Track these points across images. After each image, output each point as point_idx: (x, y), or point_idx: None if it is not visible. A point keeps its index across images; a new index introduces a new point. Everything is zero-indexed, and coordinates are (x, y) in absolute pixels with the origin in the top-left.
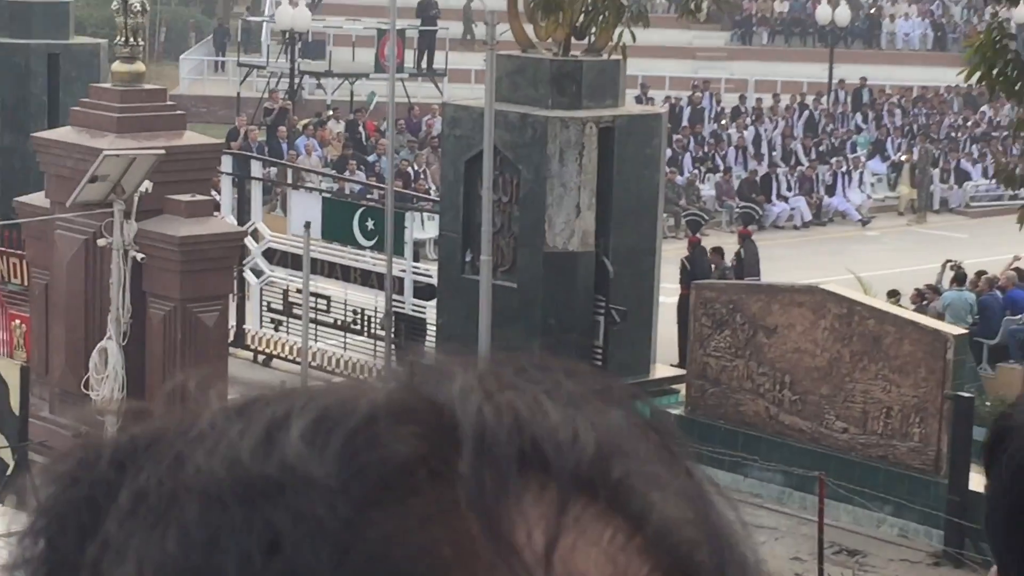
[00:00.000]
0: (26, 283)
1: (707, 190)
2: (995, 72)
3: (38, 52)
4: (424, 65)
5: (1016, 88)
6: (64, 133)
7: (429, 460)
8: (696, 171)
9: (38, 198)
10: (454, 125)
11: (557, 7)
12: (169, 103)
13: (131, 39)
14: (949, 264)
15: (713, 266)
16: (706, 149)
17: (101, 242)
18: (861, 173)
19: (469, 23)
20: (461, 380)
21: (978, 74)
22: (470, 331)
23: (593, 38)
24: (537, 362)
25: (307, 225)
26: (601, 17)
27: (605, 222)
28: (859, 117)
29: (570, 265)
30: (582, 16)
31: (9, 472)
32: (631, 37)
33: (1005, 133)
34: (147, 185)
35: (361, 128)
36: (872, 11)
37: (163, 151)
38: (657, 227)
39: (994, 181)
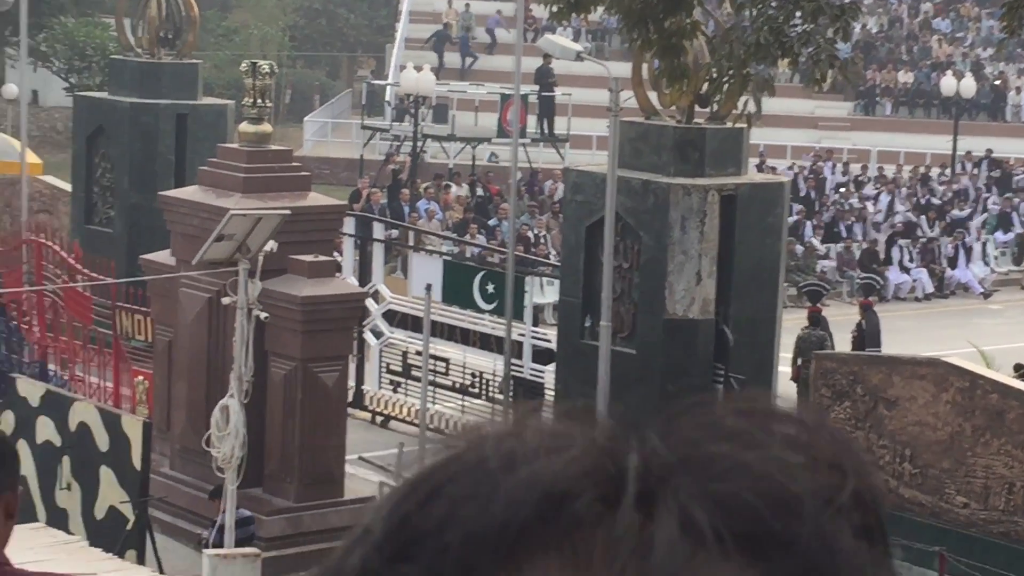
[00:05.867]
0: (150, 340)
1: (827, 260)
2: None
3: (167, 112)
4: (545, 130)
5: None
6: (191, 192)
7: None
8: (816, 241)
9: (164, 256)
10: (576, 191)
11: (682, 75)
12: (294, 164)
13: (259, 100)
14: None
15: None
16: (827, 219)
17: (225, 300)
18: (984, 246)
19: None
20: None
21: None
22: (588, 396)
23: (717, 106)
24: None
25: (428, 287)
26: (726, 85)
27: (725, 290)
28: (983, 189)
29: (690, 332)
30: (706, 84)
31: (129, 527)
32: (757, 106)
33: None
34: (272, 245)
35: (482, 191)
36: (998, 83)
37: (288, 211)
38: (778, 296)
39: None
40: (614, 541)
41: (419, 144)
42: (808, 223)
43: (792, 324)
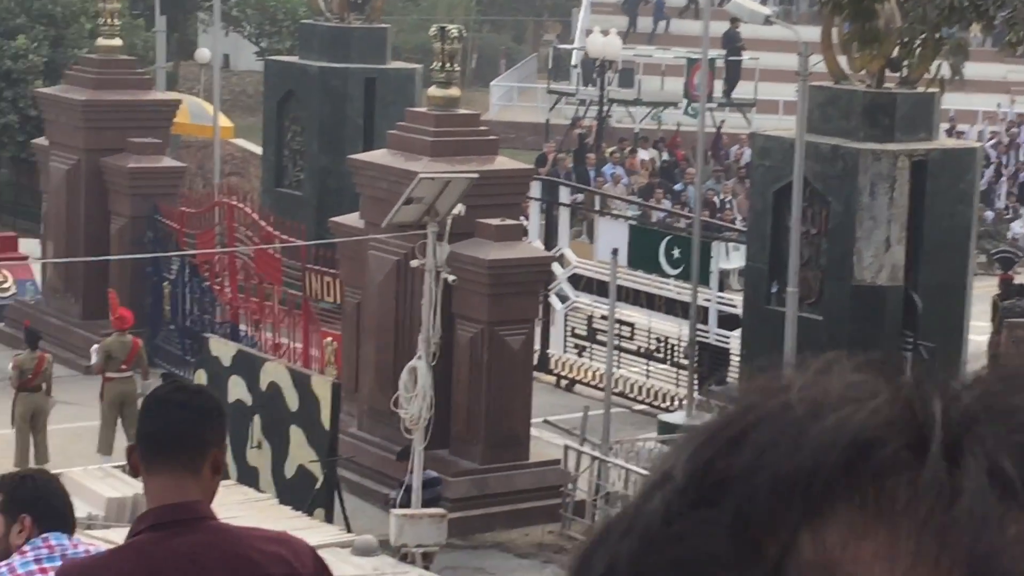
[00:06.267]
0: (338, 301)
1: (1019, 227)
2: None
3: (356, 76)
4: (730, 95)
5: None
6: (379, 155)
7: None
8: (1008, 208)
9: (352, 219)
10: (764, 155)
11: (873, 38)
12: (482, 128)
13: (447, 64)
14: None
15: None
16: (1020, 183)
17: (414, 263)
18: None
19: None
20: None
21: None
22: (774, 363)
23: (908, 70)
24: None
25: (614, 252)
26: (918, 49)
27: (915, 257)
28: None
29: (878, 299)
30: (897, 48)
31: (318, 486)
32: (955, 72)
33: None
34: (460, 208)
35: (668, 156)
36: None
37: (476, 175)
38: (968, 263)
39: None
40: (921, 489)
41: (605, 108)
42: (999, 188)
43: (982, 292)
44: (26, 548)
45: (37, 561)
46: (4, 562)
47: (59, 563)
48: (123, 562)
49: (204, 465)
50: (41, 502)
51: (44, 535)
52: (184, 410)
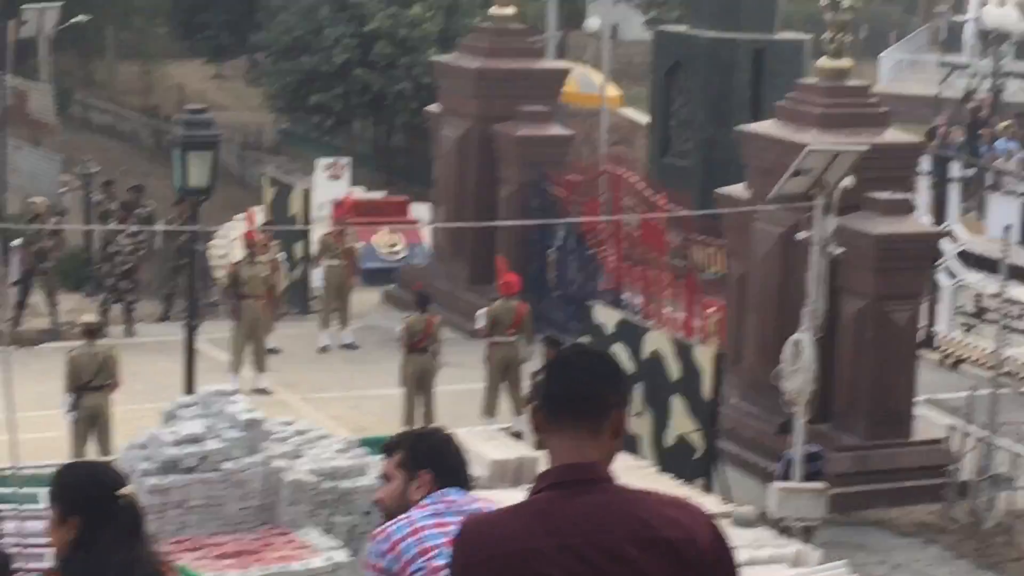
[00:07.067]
0: (722, 272)
1: None
2: None
3: (744, 47)
4: None
5: None
6: (767, 127)
7: None
8: None
9: (738, 190)
10: None
11: None
12: (872, 100)
13: (838, 35)
14: None
15: None
16: None
17: (800, 236)
18: None
19: None
20: None
21: None
22: None
23: None
24: None
25: (1007, 229)
26: None
27: None
28: None
29: None
30: None
31: (698, 456)
32: None
33: None
34: (849, 181)
35: None
36: None
37: (866, 147)
38: None
39: None
40: None
41: (999, 82)
42: None
43: None
44: (425, 502)
45: (435, 515)
46: (404, 515)
47: (456, 518)
48: (524, 518)
49: (605, 427)
50: (439, 459)
51: (442, 491)
52: (587, 372)
